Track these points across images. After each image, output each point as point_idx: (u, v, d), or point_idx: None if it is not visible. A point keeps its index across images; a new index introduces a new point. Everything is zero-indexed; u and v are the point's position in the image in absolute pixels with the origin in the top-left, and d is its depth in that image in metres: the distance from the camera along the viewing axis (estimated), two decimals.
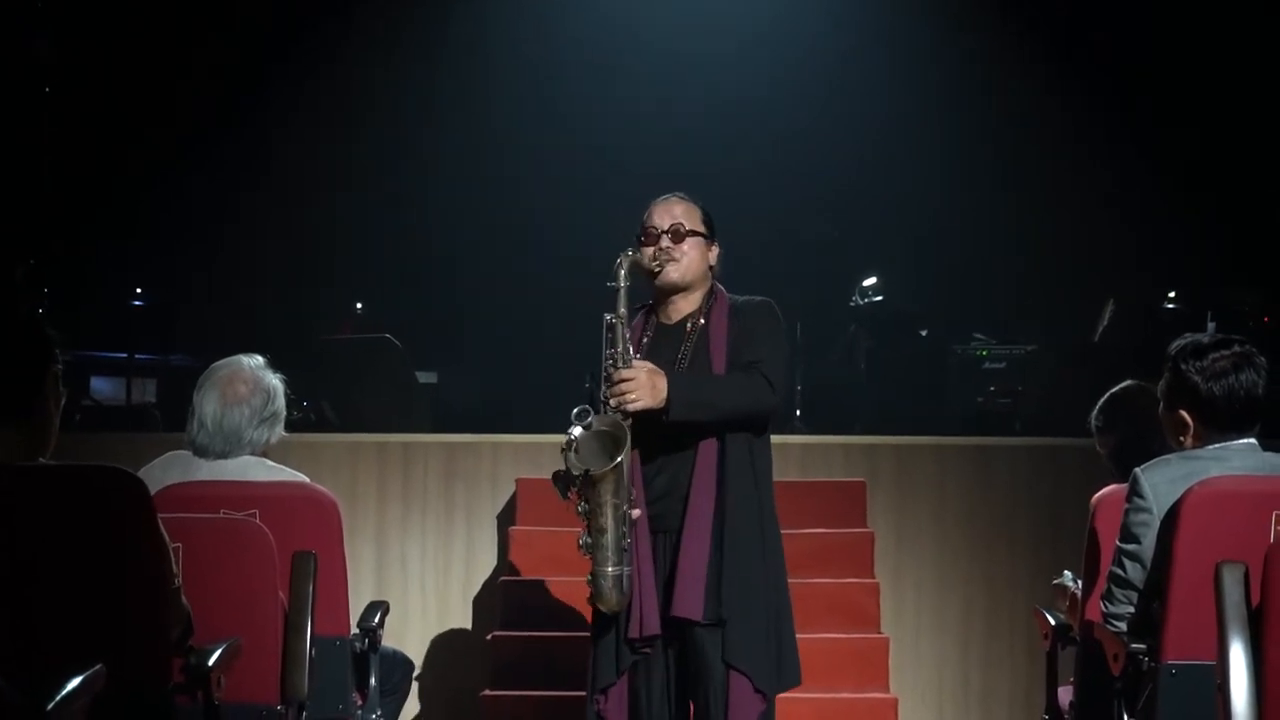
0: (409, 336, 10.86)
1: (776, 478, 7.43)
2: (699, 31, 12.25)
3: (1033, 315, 12.40)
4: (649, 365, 4.62)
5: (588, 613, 6.79)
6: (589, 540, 4.60)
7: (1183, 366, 4.27)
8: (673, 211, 4.89)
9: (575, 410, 4.55)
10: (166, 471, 5.01)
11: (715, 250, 4.94)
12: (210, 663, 3.60)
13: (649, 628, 4.69)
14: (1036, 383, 11.62)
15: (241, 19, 11.90)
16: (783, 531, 7.00)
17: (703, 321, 4.86)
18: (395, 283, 12.51)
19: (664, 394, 4.58)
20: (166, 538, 3.44)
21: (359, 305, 12.74)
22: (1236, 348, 4.27)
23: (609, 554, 4.57)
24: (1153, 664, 4.09)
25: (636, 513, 4.66)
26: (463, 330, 12.16)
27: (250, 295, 11.71)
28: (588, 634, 6.75)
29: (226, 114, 11.88)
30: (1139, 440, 5.10)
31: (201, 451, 4.99)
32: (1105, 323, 12.08)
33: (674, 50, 12.21)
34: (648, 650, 4.74)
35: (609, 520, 4.54)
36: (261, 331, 10.62)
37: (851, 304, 11.98)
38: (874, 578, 7.36)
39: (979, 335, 12.16)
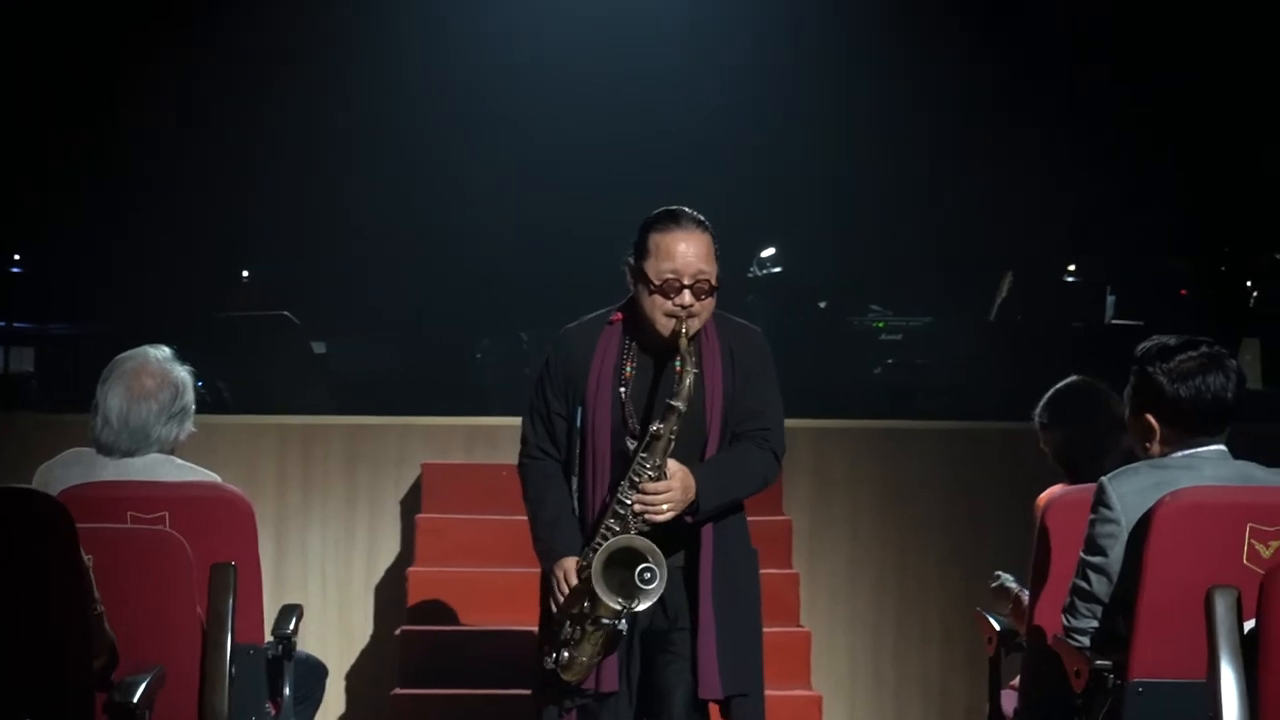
0: (295, 306, 10.64)
1: None
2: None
3: (930, 288, 12.39)
4: (683, 472, 4.25)
5: (500, 605, 6.70)
6: (575, 635, 4.28)
7: (1149, 369, 4.09)
8: (693, 255, 4.30)
9: (641, 572, 4.10)
10: (69, 470, 4.75)
11: None
12: (135, 699, 3.34)
13: (606, 685, 4.39)
14: (935, 355, 11.61)
15: None
16: None
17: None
18: (282, 251, 12.28)
19: (692, 498, 4.28)
20: (88, 564, 3.18)
21: (245, 274, 12.47)
22: (1204, 349, 4.09)
23: (598, 649, 4.28)
24: (1118, 681, 3.94)
25: None
26: (353, 300, 11.94)
27: (136, 263, 11.40)
28: (501, 628, 6.64)
29: (109, 79, 11.57)
30: (1085, 438, 4.97)
31: (106, 449, 4.72)
32: (1003, 295, 12.10)
33: (571, 20, 12.03)
34: (596, 703, 4.44)
35: (609, 619, 4.24)
36: (150, 302, 10.38)
37: (750, 275, 11.92)
38: (793, 568, 7.19)
39: (875, 307, 12.15)
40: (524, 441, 4.59)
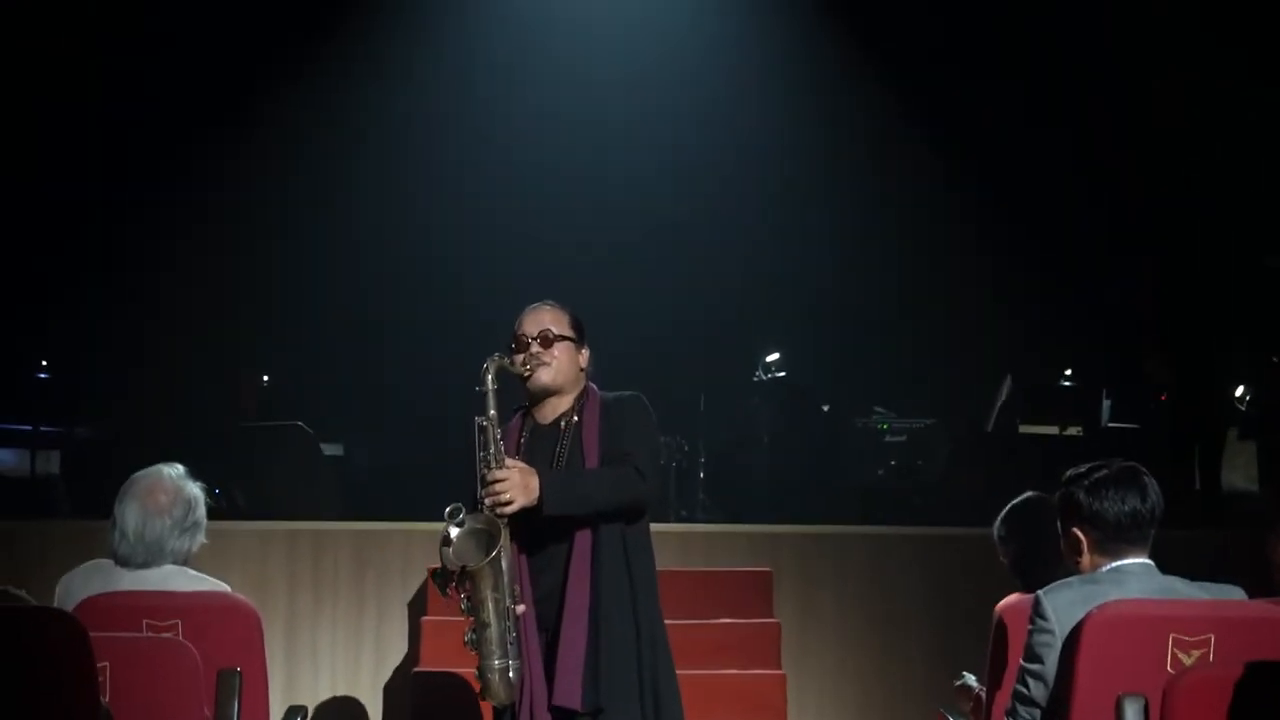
0: (314, 409, 10.91)
1: (681, 567, 7.62)
2: (598, 104, 12.38)
3: (933, 391, 12.60)
4: (520, 465, 4.80)
5: None
6: (474, 636, 4.76)
7: (1070, 488, 4.46)
8: (541, 319, 5.10)
9: (448, 509, 4.71)
10: (88, 581, 5.07)
11: (585, 353, 5.16)
12: None
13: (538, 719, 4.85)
14: (935, 457, 11.85)
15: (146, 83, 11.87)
16: (690, 622, 7.19)
17: (576, 419, 5.06)
18: (301, 356, 12.48)
19: (537, 491, 4.76)
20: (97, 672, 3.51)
21: (265, 378, 12.73)
22: (1119, 465, 4.44)
23: (494, 648, 4.74)
24: None
25: (521, 608, 4.82)
26: (371, 405, 12.17)
27: (157, 370, 11.66)
28: None
29: (134, 185, 11.84)
30: (1037, 551, 5.27)
31: (124, 561, 5.05)
32: (1002, 399, 12.29)
33: (582, 125, 12.34)
34: None
35: (491, 615, 4.71)
36: (172, 411, 10.65)
37: (755, 379, 12.14)
38: (780, 669, 7.47)
39: (879, 409, 12.37)
40: None
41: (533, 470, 4.79)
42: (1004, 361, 12.29)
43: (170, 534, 5.06)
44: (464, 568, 4.66)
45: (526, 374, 4.99)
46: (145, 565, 5.04)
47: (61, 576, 5.20)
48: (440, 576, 4.76)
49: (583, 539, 4.92)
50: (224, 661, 4.58)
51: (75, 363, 12.12)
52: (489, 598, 4.69)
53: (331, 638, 7.76)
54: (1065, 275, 12.18)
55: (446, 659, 7.36)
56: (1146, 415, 11.74)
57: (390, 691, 7.70)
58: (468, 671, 7.15)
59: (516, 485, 4.73)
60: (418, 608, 7.72)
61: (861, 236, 12.65)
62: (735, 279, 12.51)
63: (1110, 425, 12.20)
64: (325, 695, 7.65)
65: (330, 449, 11.38)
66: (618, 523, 4.96)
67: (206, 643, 4.59)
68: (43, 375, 12.36)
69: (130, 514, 5.05)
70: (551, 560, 4.95)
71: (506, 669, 4.74)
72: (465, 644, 4.79)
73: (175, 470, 5.17)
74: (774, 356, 12.13)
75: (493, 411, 4.81)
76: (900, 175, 12.63)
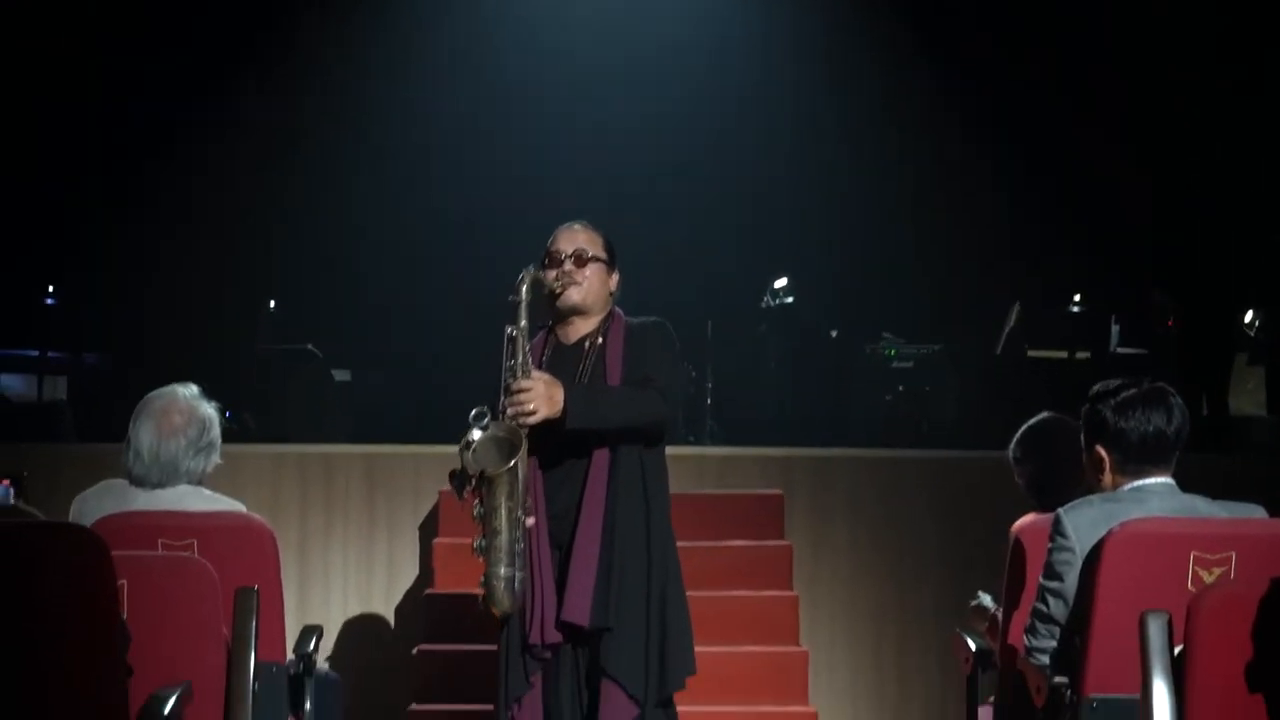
0: (321, 333, 10.91)
1: (695, 490, 7.63)
2: (619, 37, 12.34)
3: (940, 317, 12.58)
4: (546, 376, 4.80)
5: None
6: (483, 542, 4.76)
7: (1097, 405, 4.43)
8: (576, 238, 5.08)
9: (473, 412, 4.72)
10: (102, 501, 5.05)
11: (615, 277, 5.15)
12: (166, 711, 3.66)
13: (549, 636, 4.91)
14: (943, 383, 11.85)
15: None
16: (703, 544, 7.19)
17: (600, 341, 5.07)
18: (309, 279, 12.47)
19: (560, 404, 4.76)
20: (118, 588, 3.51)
21: (272, 303, 12.72)
22: (1146, 385, 4.42)
23: (501, 555, 4.73)
24: (1075, 697, 4.23)
25: (531, 520, 4.83)
26: (377, 329, 12.17)
27: (165, 296, 11.64)
28: None
29: (140, 113, 11.81)
30: (1053, 471, 5.25)
31: (138, 481, 5.03)
32: (1011, 324, 12.29)
33: (594, 55, 12.29)
34: (547, 656, 4.95)
35: (503, 523, 4.71)
36: (183, 336, 10.66)
37: (763, 305, 12.14)
38: (793, 590, 7.49)
39: (887, 335, 12.37)
40: None
41: (558, 382, 4.79)
42: (1012, 287, 12.28)
43: (185, 454, 5.03)
44: (483, 472, 4.67)
45: (558, 291, 4.99)
46: (160, 485, 5.01)
47: (74, 498, 5.20)
48: (458, 479, 4.77)
49: (600, 458, 4.93)
50: (240, 580, 4.55)
51: (83, 289, 12.12)
52: (503, 505, 4.70)
53: (343, 560, 7.78)
54: (1074, 201, 12.13)
55: (458, 581, 7.38)
56: (1155, 341, 11.74)
57: (402, 614, 7.72)
58: (481, 593, 7.24)
59: (541, 396, 4.73)
60: (429, 530, 7.73)
61: (869, 163, 12.62)
62: (742, 206, 12.48)
63: (1119, 351, 12.21)
64: (338, 616, 7.67)
65: (339, 375, 11.40)
66: (636, 444, 4.96)
67: (222, 562, 4.55)
68: (50, 301, 12.37)
69: (145, 434, 5.02)
70: (568, 476, 4.96)
71: (512, 578, 4.75)
72: (474, 550, 4.79)
73: (190, 390, 5.14)
74: (781, 283, 12.12)
75: (524, 322, 4.82)
76: (907, 104, 12.58)
